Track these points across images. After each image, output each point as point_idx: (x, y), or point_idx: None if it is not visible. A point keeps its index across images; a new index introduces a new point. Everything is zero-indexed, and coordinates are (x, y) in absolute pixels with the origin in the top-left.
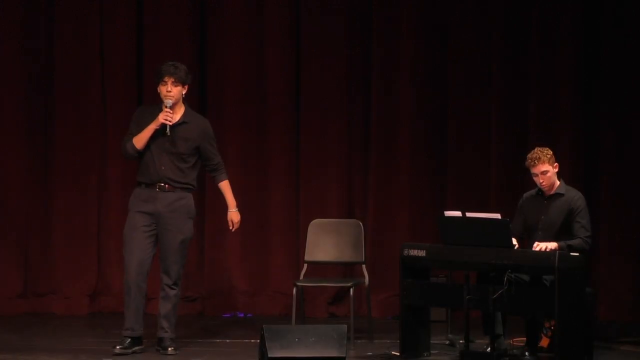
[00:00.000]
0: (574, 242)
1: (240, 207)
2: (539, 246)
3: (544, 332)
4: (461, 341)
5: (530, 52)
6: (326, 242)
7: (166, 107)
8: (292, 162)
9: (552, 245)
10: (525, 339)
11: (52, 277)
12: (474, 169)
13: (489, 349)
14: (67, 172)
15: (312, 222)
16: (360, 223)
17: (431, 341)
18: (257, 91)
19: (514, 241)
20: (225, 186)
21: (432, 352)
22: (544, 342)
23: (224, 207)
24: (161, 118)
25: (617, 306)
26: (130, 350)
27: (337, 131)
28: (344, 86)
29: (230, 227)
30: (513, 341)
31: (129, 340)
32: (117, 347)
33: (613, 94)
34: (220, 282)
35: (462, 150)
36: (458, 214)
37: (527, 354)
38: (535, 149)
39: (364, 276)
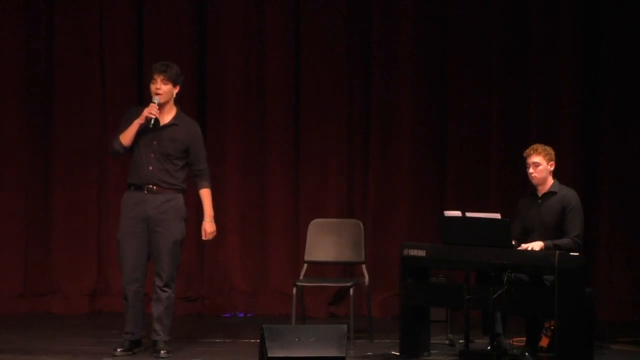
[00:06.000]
0: (562, 241)
1: (240, 207)
2: (524, 247)
3: (544, 332)
4: (461, 341)
5: (530, 52)
6: (326, 242)
7: (153, 102)
8: (292, 162)
9: (537, 245)
10: (525, 339)
11: (52, 277)
12: (474, 169)
13: (489, 348)
14: (67, 172)
15: (312, 222)
16: (360, 223)
17: (431, 341)
18: (257, 91)
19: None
20: (205, 194)
21: (432, 352)
22: (544, 342)
23: (224, 208)
24: (145, 112)
25: (617, 306)
26: (130, 352)
27: (337, 131)
28: (344, 86)
29: (203, 237)
30: (513, 341)
31: (129, 342)
32: (118, 349)
33: (613, 93)
34: (220, 282)
35: (462, 150)
36: (458, 214)
37: (527, 354)
38: (538, 143)
39: (364, 276)
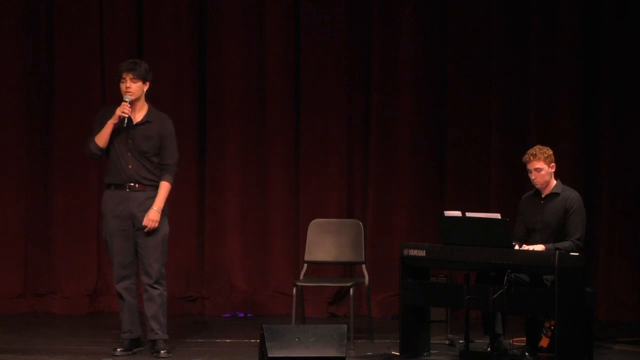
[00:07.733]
0: (563, 244)
1: (240, 207)
2: (525, 248)
3: (544, 332)
4: (461, 341)
5: (530, 52)
6: (326, 242)
7: (125, 101)
8: (292, 162)
9: (539, 248)
10: (525, 339)
11: (52, 277)
12: (474, 169)
13: (489, 349)
14: (67, 172)
15: (312, 222)
16: (360, 223)
17: (431, 341)
18: (257, 91)
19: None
20: (163, 186)
21: (432, 352)
22: (544, 342)
23: (224, 208)
24: (118, 111)
25: (617, 306)
26: (130, 352)
27: (337, 131)
28: (344, 86)
29: (144, 222)
30: (513, 341)
31: (128, 341)
32: (118, 349)
33: (613, 93)
34: (220, 282)
35: (462, 150)
36: (458, 214)
37: (527, 354)
38: (535, 146)
39: (364, 276)
